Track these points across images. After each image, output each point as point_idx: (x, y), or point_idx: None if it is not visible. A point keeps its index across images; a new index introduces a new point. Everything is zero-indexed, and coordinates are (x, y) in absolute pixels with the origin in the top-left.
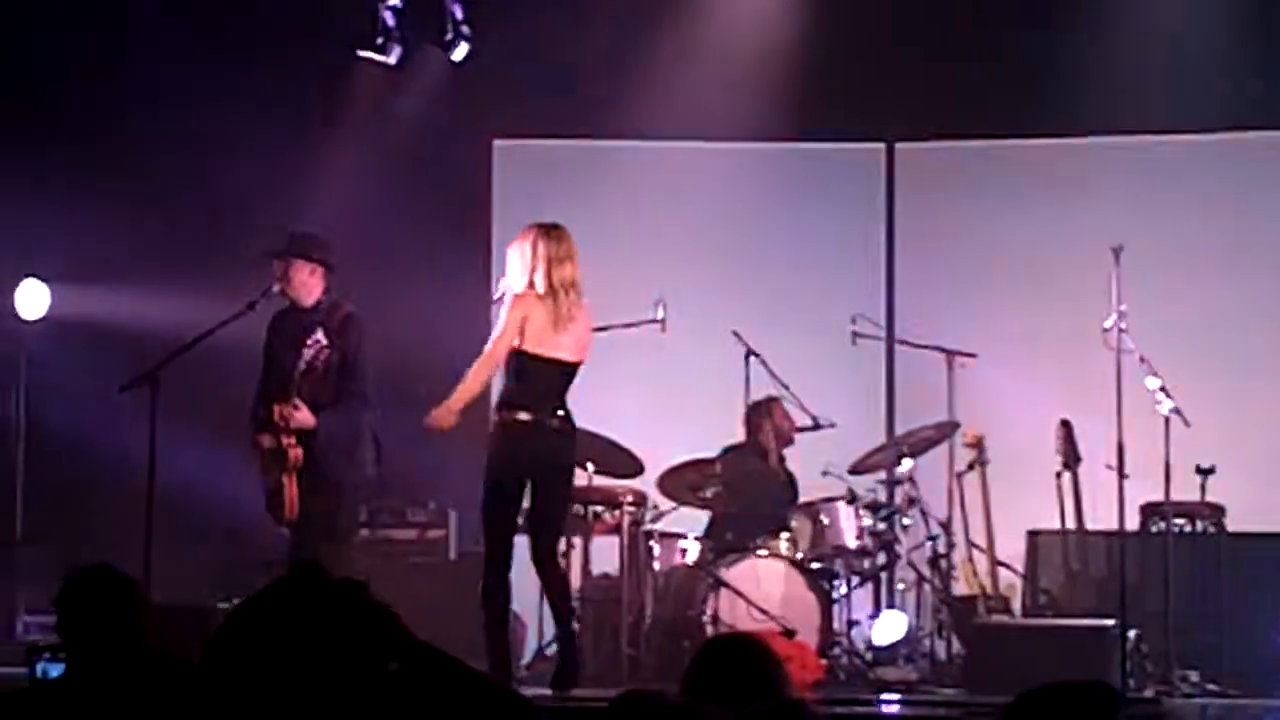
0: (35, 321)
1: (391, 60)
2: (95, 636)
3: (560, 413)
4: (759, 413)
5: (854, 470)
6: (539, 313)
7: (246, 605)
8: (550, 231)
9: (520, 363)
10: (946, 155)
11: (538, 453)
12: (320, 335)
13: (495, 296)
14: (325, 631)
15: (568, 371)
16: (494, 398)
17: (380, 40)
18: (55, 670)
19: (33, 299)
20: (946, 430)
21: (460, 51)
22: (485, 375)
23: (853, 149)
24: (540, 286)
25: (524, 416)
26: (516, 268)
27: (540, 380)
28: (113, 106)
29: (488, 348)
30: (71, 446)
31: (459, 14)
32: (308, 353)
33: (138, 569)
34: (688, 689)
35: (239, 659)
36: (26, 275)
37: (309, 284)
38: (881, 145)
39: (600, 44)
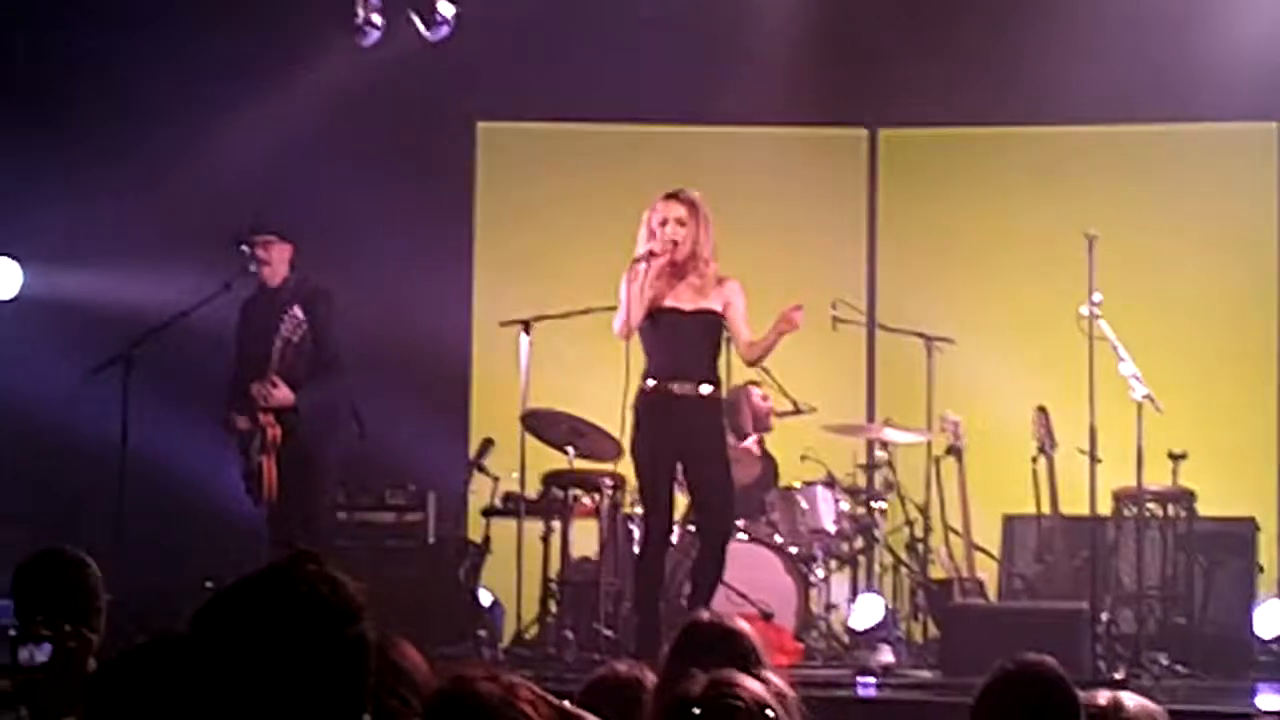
0: (7, 301)
1: (368, 40)
2: (50, 619)
3: None
4: (738, 396)
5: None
6: None
7: (238, 588)
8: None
9: None
10: (929, 141)
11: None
12: (297, 311)
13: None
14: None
15: None
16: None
17: (361, 16)
18: (41, 655)
19: (4, 278)
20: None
21: (441, 32)
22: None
23: (835, 134)
24: None
25: None
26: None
27: None
28: (83, 84)
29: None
30: (43, 428)
31: None
32: (285, 329)
33: (109, 549)
34: (668, 671)
35: (225, 645)
36: None
37: (280, 263)
38: (864, 131)
39: (581, 24)
